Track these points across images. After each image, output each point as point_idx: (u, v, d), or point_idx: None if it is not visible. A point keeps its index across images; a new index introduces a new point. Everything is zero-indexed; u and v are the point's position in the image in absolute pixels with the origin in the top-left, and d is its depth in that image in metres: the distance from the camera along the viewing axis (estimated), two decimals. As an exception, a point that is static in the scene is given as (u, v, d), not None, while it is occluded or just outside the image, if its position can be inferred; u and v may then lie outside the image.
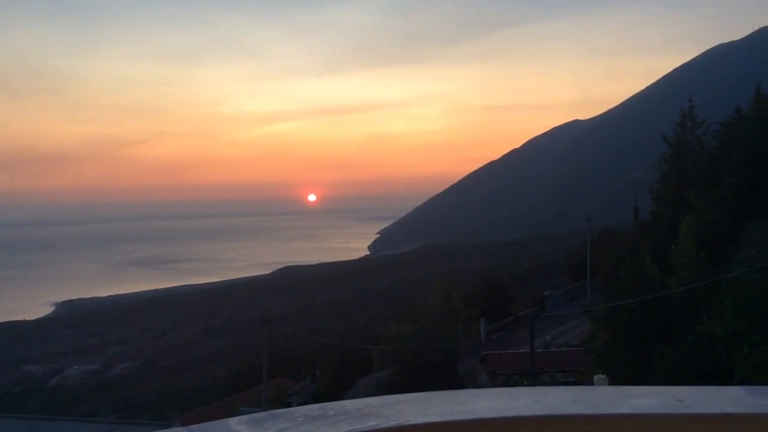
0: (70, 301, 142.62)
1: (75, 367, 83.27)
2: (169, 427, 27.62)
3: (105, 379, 75.83)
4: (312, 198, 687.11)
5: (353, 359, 42.08)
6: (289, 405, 28.03)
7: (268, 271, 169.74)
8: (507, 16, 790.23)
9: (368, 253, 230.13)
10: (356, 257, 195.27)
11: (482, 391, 1.81)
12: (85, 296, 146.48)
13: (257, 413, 1.69)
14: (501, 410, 1.64)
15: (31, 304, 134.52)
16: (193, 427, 1.59)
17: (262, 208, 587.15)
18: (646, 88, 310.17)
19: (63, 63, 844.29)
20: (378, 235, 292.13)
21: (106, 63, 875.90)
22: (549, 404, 1.67)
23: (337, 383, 38.43)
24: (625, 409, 1.61)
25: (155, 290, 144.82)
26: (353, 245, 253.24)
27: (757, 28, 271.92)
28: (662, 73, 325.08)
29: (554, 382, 25.19)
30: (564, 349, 32.29)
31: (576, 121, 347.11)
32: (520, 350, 30.88)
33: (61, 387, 71.89)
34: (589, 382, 19.02)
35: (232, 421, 1.63)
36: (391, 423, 1.55)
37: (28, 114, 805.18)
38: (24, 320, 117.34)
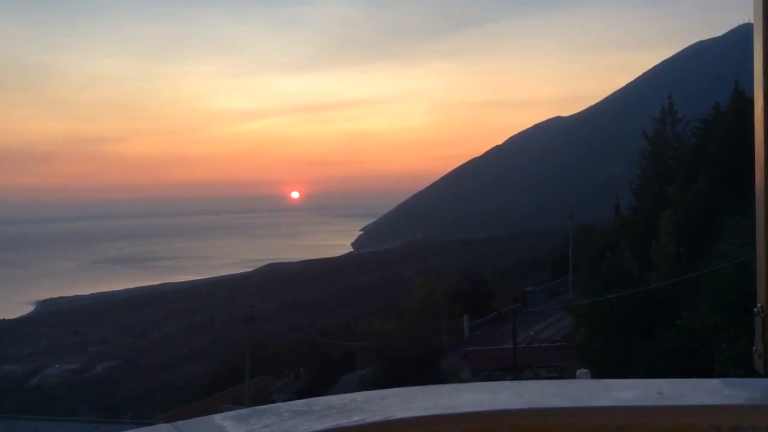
0: (51, 299, 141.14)
1: (56, 366, 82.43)
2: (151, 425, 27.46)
3: (86, 378, 75.20)
4: (295, 195, 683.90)
5: (336, 356, 42.13)
6: (272, 402, 27.94)
7: (250, 269, 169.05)
8: (486, 12, 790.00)
9: (352, 250, 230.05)
10: (340, 254, 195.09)
11: (466, 386, 1.83)
12: (66, 294, 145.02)
13: (242, 409, 1.70)
14: (484, 404, 1.65)
15: (11, 303, 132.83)
16: (179, 423, 1.59)
17: (244, 206, 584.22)
18: (626, 85, 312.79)
19: (37, 59, 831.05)
20: (361, 232, 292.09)
21: (81, 59, 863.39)
22: (531, 398, 1.69)
23: (320, 380, 38.44)
24: (606, 402, 1.64)
25: (136, 288, 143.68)
26: (337, 242, 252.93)
27: (736, 25, 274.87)
28: (642, 70, 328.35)
29: (536, 378, 25.37)
30: (546, 344, 32.53)
31: (557, 118, 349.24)
32: (503, 346, 31.08)
33: (42, 386, 71.14)
34: (572, 376, 19.20)
35: (218, 417, 1.63)
36: (377, 418, 1.56)
37: (1, 110, 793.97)
38: (4, 319, 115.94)
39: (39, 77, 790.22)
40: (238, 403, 28.28)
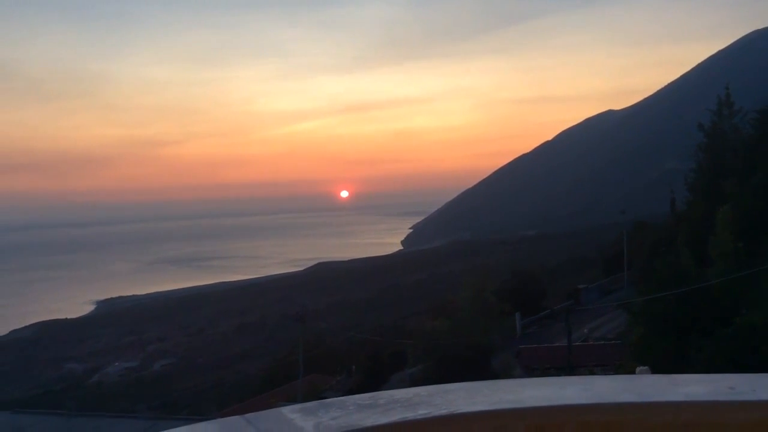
0: (110, 299, 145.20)
1: (115, 364, 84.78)
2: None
3: (144, 375, 77.05)
4: (344, 194, 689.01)
5: (386, 355, 42.18)
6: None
7: (300, 268, 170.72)
8: (532, 8, 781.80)
9: (402, 248, 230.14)
10: (389, 253, 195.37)
11: (530, 381, 1.82)
12: (124, 294, 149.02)
13: (309, 402, 1.73)
14: (550, 399, 1.65)
15: (73, 303, 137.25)
16: (249, 415, 1.63)
17: (293, 206, 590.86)
18: (680, 77, 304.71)
19: (95, 67, 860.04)
20: (411, 230, 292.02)
21: (136, 66, 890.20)
22: (598, 393, 1.68)
23: (371, 379, 38.56)
24: (675, 397, 1.61)
25: (190, 288, 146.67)
26: (386, 241, 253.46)
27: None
28: (696, 61, 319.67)
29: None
30: (601, 342, 31.96)
31: (609, 112, 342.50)
32: (556, 344, 30.66)
33: (102, 384, 73.24)
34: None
35: (286, 410, 1.67)
36: (442, 411, 1.57)
37: (62, 118, 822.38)
38: (66, 318, 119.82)
39: (96, 85, 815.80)
40: (291, 401, 28.55)
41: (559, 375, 26.05)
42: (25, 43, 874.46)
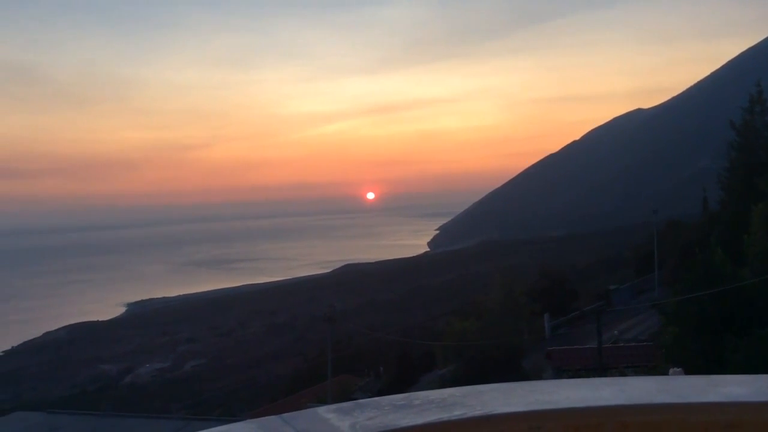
0: (141, 301, 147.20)
1: (147, 365, 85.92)
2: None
3: (175, 376, 77.97)
4: (371, 196, 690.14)
5: (416, 356, 42.14)
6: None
7: (328, 270, 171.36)
8: (559, 5, 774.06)
9: (428, 249, 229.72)
10: (416, 254, 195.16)
11: (565, 382, 1.81)
12: (155, 296, 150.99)
13: (345, 403, 1.74)
14: (586, 400, 1.64)
15: (104, 305, 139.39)
16: (286, 415, 1.65)
17: (321, 207, 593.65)
18: (711, 74, 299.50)
19: (124, 72, 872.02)
20: (437, 232, 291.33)
21: (165, 70, 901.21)
22: (635, 393, 1.66)
23: (400, 379, 38.57)
24: (714, 398, 1.59)
25: (220, 290, 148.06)
26: (413, 242, 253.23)
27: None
28: (726, 58, 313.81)
29: (623, 378, 24.60)
30: (632, 344, 31.55)
31: (638, 110, 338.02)
32: (587, 345, 30.33)
33: (134, 385, 74.31)
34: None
35: (322, 410, 1.68)
36: (478, 412, 1.57)
37: (92, 121, 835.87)
38: (98, 321, 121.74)
39: (125, 89, 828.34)
40: (321, 401, 28.69)
41: (590, 377, 25.77)
42: (54, 47, 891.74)
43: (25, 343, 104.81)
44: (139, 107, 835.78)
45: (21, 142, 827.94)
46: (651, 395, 1.65)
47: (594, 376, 24.93)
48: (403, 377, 39.00)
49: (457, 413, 1.57)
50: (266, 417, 1.64)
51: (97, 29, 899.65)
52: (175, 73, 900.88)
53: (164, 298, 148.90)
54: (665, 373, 16.74)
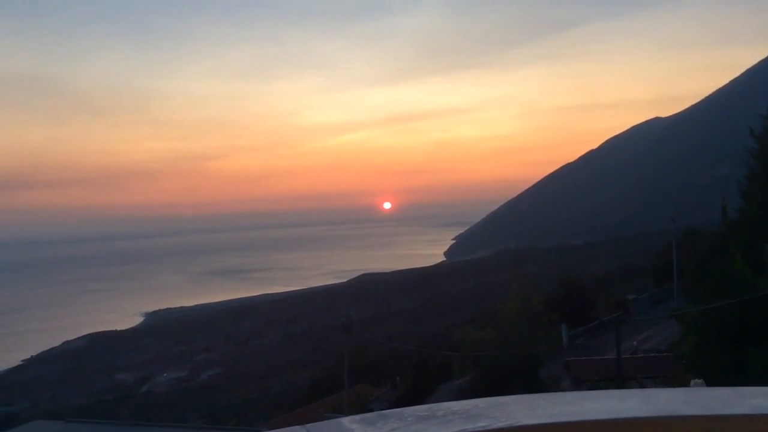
0: (158, 310, 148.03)
1: (164, 374, 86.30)
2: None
3: (192, 385, 78.20)
4: (387, 206, 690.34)
5: (433, 365, 41.95)
6: (371, 411, 28.15)
7: (344, 279, 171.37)
8: (577, 14, 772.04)
9: (444, 259, 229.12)
10: (432, 264, 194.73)
11: (590, 393, 1.80)
12: (171, 306, 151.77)
13: (368, 413, 1.74)
14: (611, 412, 1.62)
15: (122, 315, 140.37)
16: (310, 426, 1.65)
17: (337, 217, 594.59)
18: (729, 81, 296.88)
19: (143, 83, 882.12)
20: (454, 241, 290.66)
21: (183, 81, 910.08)
22: (660, 405, 1.65)
23: (417, 389, 38.40)
24: (741, 410, 1.57)
25: (236, 299, 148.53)
26: (429, 252, 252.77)
27: None
28: (746, 65, 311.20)
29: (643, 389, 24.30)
30: (652, 354, 31.22)
31: (656, 119, 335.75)
32: (605, 356, 30.06)
33: (151, 393, 74.61)
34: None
35: (345, 420, 1.68)
36: (501, 424, 1.56)
37: (112, 132, 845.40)
38: (116, 330, 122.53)
39: (146, 100, 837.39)
40: (338, 411, 28.63)
41: (608, 387, 25.51)
42: (75, 60, 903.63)
43: (44, 352, 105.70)
44: (158, 118, 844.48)
45: (42, 153, 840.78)
46: (676, 407, 1.64)
47: (613, 387, 24.70)
48: (420, 387, 38.82)
49: (480, 425, 1.57)
50: (290, 427, 1.64)
51: (117, 42, 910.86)
52: (194, 85, 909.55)
53: (181, 307, 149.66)
54: (685, 383, 16.55)
